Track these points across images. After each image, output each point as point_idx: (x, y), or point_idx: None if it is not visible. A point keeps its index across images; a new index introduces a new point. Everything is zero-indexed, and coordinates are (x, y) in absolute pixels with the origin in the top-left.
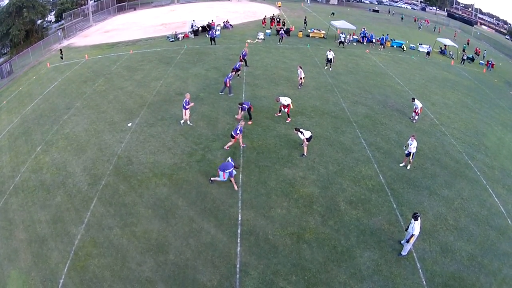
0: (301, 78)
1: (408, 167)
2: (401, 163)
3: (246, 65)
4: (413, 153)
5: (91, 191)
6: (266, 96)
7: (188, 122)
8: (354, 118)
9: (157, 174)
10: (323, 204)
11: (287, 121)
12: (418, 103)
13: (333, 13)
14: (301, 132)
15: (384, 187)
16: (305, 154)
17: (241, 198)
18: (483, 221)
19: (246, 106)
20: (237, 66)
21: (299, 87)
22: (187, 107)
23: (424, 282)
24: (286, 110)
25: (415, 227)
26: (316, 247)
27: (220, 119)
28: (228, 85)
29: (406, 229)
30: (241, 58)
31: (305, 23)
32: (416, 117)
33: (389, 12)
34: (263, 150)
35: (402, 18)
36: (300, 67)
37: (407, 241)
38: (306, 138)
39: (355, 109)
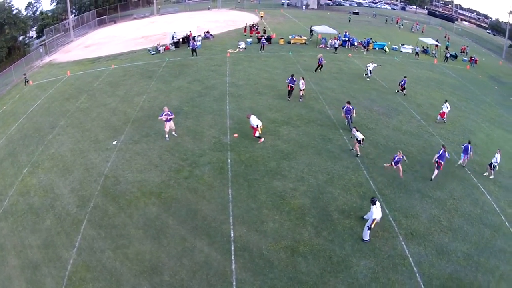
0: (301, 90)
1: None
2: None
3: None
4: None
5: (80, 213)
6: (250, 107)
7: (173, 133)
8: (340, 125)
9: (145, 193)
10: (315, 215)
11: (259, 142)
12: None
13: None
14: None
15: (376, 193)
16: (359, 153)
17: (232, 213)
18: (476, 219)
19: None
20: None
21: (300, 99)
22: (162, 118)
23: (422, 286)
24: (253, 131)
25: (374, 211)
26: (312, 259)
27: (205, 133)
28: None
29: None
30: None
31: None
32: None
33: (375, 15)
34: (251, 163)
35: (386, 21)
36: (303, 78)
37: (369, 228)
38: (358, 140)
39: (340, 115)
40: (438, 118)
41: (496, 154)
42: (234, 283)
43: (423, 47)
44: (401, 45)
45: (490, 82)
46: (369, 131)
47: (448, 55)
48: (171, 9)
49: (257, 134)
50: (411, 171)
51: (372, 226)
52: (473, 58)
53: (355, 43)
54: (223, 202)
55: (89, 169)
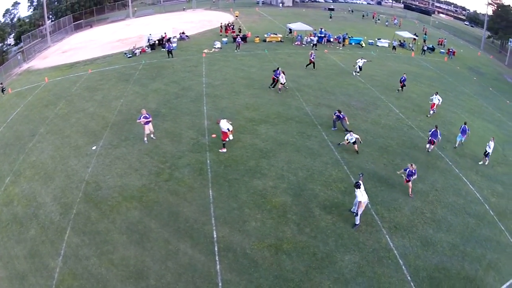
0: (282, 84)
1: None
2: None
3: None
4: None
5: (64, 221)
6: (228, 106)
7: (152, 136)
8: (318, 121)
9: (126, 198)
10: (297, 212)
11: (221, 151)
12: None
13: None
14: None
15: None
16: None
17: (214, 214)
18: (460, 210)
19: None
20: None
21: (279, 91)
22: (140, 121)
23: (409, 277)
24: (222, 136)
25: (358, 194)
26: (296, 256)
27: (183, 135)
28: None
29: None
30: None
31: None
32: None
33: (351, 11)
34: (230, 163)
35: (363, 16)
36: (283, 72)
37: (356, 212)
38: (352, 141)
39: (319, 112)
40: (430, 112)
41: (490, 142)
42: (219, 284)
43: (399, 41)
44: (378, 39)
45: (469, 73)
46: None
47: (425, 48)
48: (146, 11)
49: (230, 137)
50: (391, 164)
51: (358, 209)
52: (450, 50)
53: (331, 39)
54: (204, 203)
55: (70, 176)
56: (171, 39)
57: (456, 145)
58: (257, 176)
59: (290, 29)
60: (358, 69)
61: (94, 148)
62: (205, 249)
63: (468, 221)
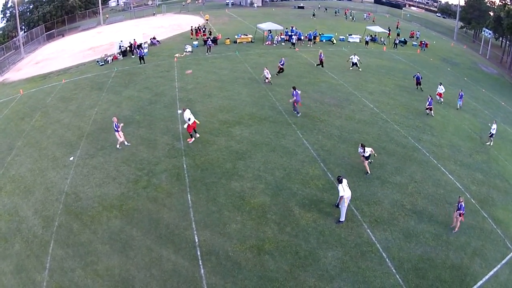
0: (267, 78)
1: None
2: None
3: None
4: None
5: (47, 234)
6: (201, 110)
7: (126, 142)
8: (292, 120)
9: (106, 207)
10: (277, 212)
11: (189, 141)
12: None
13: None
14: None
15: (335, 185)
16: (368, 172)
17: (194, 219)
18: (441, 200)
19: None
20: None
21: (265, 82)
22: (118, 129)
23: (393, 270)
24: (186, 128)
25: (340, 189)
26: (278, 256)
27: (159, 141)
28: None
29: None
30: None
31: (269, 32)
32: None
33: (325, 9)
34: (206, 166)
35: (335, 13)
36: (266, 68)
37: (338, 204)
38: (365, 157)
39: (293, 111)
40: (437, 98)
41: (493, 124)
42: None
43: (371, 36)
44: (349, 35)
45: (443, 64)
46: (321, 124)
47: (397, 42)
48: (117, 18)
49: (191, 130)
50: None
51: (339, 203)
52: (423, 42)
53: (302, 37)
54: (184, 208)
55: (50, 188)
56: (142, 44)
57: (458, 107)
58: (234, 178)
59: (270, 31)
60: (351, 65)
61: (71, 159)
62: (188, 254)
63: (449, 211)
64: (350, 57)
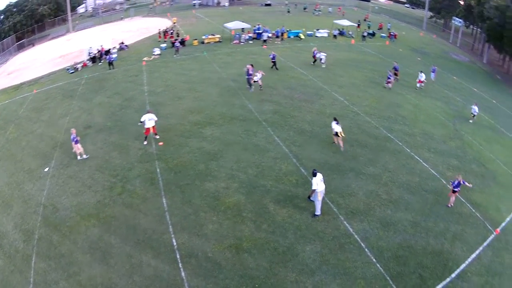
0: (256, 81)
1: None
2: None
3: None
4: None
5: (28, 248)
6: (172, 113)
7: (84, 156)
8: (263, 117)
9: (84, 216)
10: (252, 210)
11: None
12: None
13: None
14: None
15: (308, 179)
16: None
17: (171, 222)
18: (416, 188)
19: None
20: None
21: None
22: (76, 141)
23: (373, 259)
24: (146, 131)
25: (313, 183)
26: (257, 253)
27: (131, 146)
28: None
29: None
30: None
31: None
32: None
33: (296, 5)
34: (179, 169)
35: (304, 9)
36: (252, 65)
37: (309, 197)
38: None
39: (262, 108)
40: (417, 85)
41: (473, 106)
42: None
43: (338, 30)
44: (316, 30)
45: (412, 54)
46: (292, 119)
47: (365, 34)
48: (86, 24)
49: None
50: (340, 152)
51: (319, 198)
52: (391, 33)
53: (269, 35)
54: (159, 212)
55: (27, 201)
56: (110, 50)
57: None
58: (208, 179)
59: (243, 29)
60: (319, 60)
61: (46, 170)
62: (167, 258)
63: (426, 198)
64: (319, 54)
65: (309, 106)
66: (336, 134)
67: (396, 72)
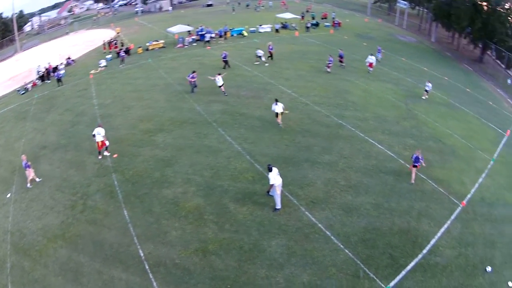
0: (220, 86)
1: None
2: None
3: None
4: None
5: (2, 277)
6: (122, 123)
7: (36, 179)
8: (212, 118)
9: (51, 238)
10: (213, 212)
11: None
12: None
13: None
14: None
15: (264, 175)
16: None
17: (135, 233)
18: (374, 170)
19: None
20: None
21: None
22: (29, 166)
23: (341, 246)
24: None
25: (270, 177)
26: (224, 254)
27: (87, 161)
28: None
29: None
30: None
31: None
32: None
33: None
34: (136, 179)
35: (247, 5)
36: (219, 74)
37: (268, 191)
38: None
39: (211, 109)
40: (369, 69)
41: (427, 83)
42: None
43: (281, 23)
44: (259, 26)
45: (358, 40)
46: (241, 117)
47: (308, 25)
48: (33, 43)
49: (105, 149)
50: (293, 144)
51: (277, 192)
52: (335, 21)
53: (213, 35)
54: (123, 225)
55: None
56: (58, 66)
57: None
58: (165, 186)
59: (189, 31)
60: (259, 57)
61: (8, 195)
62: (137, 270)
63: (385, 179)
64: (256, 52)
65: (257, 102)
66: (277, 115)
67: (341, 59)
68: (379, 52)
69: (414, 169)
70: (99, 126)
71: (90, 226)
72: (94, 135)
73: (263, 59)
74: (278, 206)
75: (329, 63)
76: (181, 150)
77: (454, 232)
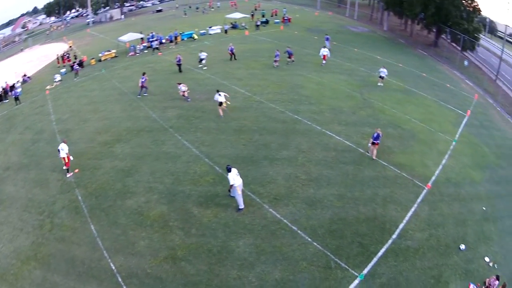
0: (183, 92)
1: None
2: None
3: None
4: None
5: None
6: (80, 137)
7: None
8: (168, 124)
9: (24, 260)
10: (177, 218)
11: (68, 175)
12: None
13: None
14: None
15: (224, 176)
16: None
17: (104, 247)
18: (334, 162)
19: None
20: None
21: (188, 99)
22: None
23: (309, 239)
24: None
25: (229, 178)
26: (194, 259)
27: (50, 179)
28: None
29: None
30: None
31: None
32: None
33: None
34: (99, 192)
35: (197, 8)
36: (179, 83)
37: (229, 191)
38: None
39: (166, 115)
40: (323, 62)
41: (382, 69)
42: None
43: (231, 23)
44: (209, 28)
45: (308, 34)
46: (197, 120)
47: (258, 23)
48: None
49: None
50: (250, 143)
51: (238, 192)
52: (285, 17)
53: (163, 40)
54: (91, 240)
55: None
56: (15, 85)
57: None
58: (128, 196)
59: (141, 38)
60: (200, 61)
61: None
62: (110, 284)
63: (346, 169)
64: (199, 54)
65: (212, 104)
66: (220, 104)
67: (290, 55)
68: (327, 41)
69: (374, 146)
70: (63, 142)
71: (60, 244)
72: (59, 151)
73: (204, 62)
74: (241, 206)
75: (276, 58)
76: (140, 159)
77: (422, 215)
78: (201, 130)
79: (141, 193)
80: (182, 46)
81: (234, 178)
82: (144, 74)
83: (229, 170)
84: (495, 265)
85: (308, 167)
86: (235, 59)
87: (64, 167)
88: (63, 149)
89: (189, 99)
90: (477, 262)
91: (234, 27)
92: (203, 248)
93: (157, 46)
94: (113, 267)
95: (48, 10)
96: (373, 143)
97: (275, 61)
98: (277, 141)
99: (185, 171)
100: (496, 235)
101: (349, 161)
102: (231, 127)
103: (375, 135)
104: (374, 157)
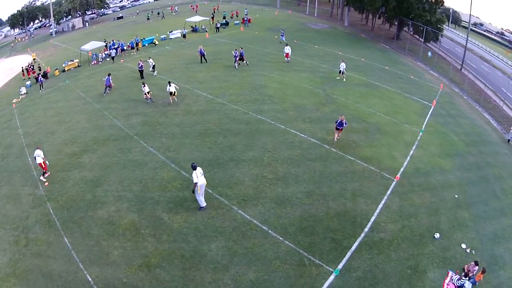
0: (146, 93)
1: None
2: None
3: None
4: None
5: None
6: (48, 150)
7: None
8: (133, 132)
9: (3, 278)
10: (148, 225)
11: (46, 175)
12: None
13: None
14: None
15: (191, 180)
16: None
17: (79, 259)
18: (300, 159)
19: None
20: None
21: (152, 101)
22: None
23: (280, 238)
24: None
25: (193, 176)
26: (167, 265)
27: (21, 194)
28: None
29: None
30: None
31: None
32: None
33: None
34: (70, 204)
35: (158, 14)
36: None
37: (193, 192)
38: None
39: (131, 122)
40: (286, 59)
41: (341, 63)
42: None
43: (192, 27)
44: (169, 32)
45: (268, 34)
46: (161, 126)
47: (218, 25)
48: None
49: (46, 167)
50: (215, 145)
51: (198, 191)
52: (245, 18)
53: (125, 48)
54: (66, 253)
55: None
56: None
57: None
58: (98, 207)
59: (106, 44)
60: (152, 68)
61: None
62: None
63: (313, 166)
64: (149, 61)
65: (174, 109)
66: (171, 93)
67: (241, 57)
68: (282, 36)
69: (338, 132)
70: (37, 148)
71: (36, 259)
72: (35, 158)
73: (151, 69)
74: (202, 204)
75: (236, 59)
76: (108, 168)
77: (393, 207)
78: (165, 135)
79: (111, 203)
80: (144, 52)
81: (198, 176)
82: (109, 74)
83: (194, 168)
84: (473, 251)
85: (275, 166)
86: (205, 60)
87: (44, 175)
88: (39, 155)
89: (152, 100)
90: (453, 250)
91: (194, 30)
92: (175, 253)
93: (114, 55)
94: (90, 279)
95: (12, 22)
96: (337, 128)
97: (236, 61)
98: (242, 142)
99: (153, 177)
100: (471, 221)
101: (315, 157)
102: (196, 131)
103: (338, 121)
104: (335, 139)
